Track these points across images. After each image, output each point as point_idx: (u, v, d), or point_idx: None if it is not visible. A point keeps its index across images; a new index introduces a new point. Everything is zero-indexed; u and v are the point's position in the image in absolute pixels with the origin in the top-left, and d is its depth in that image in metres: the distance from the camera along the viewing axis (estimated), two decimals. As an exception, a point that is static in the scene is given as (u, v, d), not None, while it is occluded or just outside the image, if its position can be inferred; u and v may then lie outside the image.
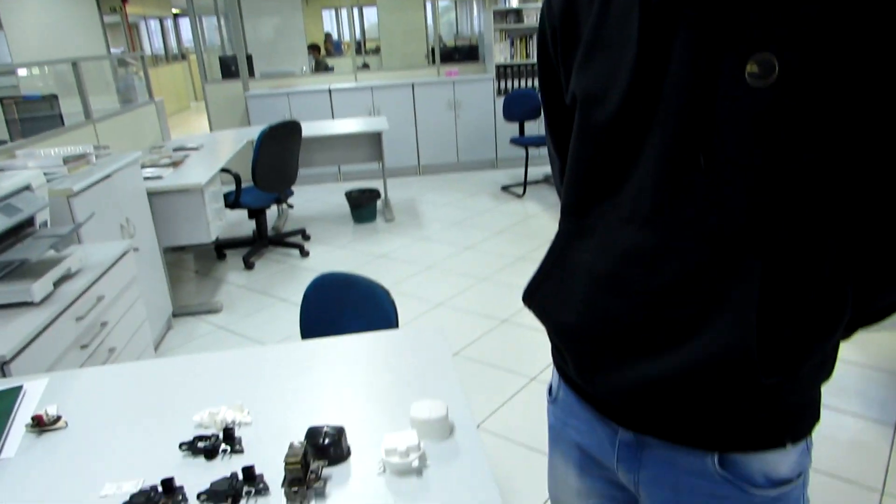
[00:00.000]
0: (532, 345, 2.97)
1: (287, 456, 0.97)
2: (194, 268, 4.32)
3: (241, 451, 1.11)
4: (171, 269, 4.10)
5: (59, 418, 1.21)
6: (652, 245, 0.65)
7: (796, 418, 0.71)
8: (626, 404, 0.74)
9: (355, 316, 1.67)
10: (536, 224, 4.75)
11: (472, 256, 4.16)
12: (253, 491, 1.00)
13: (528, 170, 5.66)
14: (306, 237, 4.69)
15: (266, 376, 1.35)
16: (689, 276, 0.64)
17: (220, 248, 4.47)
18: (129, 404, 1.27)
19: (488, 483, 1.00)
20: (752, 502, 0.71)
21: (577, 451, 0.88)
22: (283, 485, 0.96)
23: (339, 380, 1.32)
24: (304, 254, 4.35)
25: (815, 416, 0.73)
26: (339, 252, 4.40)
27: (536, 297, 0.80)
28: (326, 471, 1.04)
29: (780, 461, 0.71)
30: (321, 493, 0.99)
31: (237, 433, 1.15)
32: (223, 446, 1.11)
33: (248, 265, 4.19)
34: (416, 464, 1.02)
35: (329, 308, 1.71)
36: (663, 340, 0.66)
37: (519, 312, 3.30)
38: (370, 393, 1.27)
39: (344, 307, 1.69)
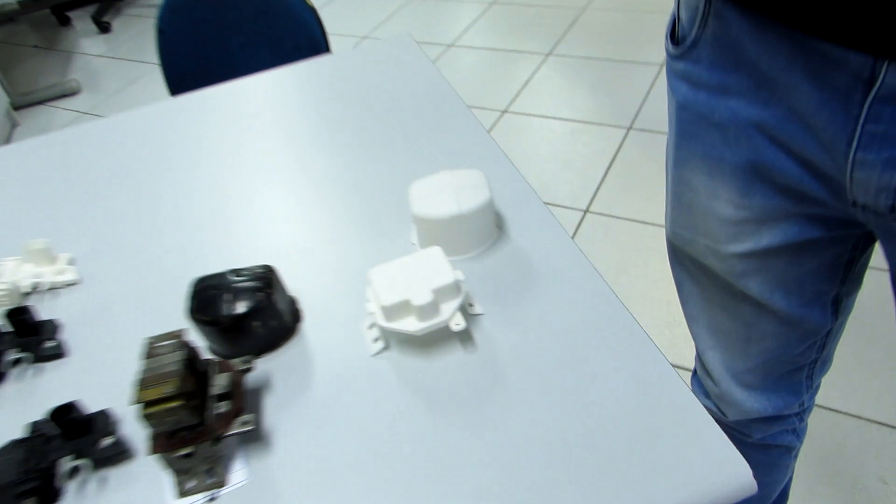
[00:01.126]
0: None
1: (141, 385, 0.37)
2: (31, 42, 3.31)
3: (59, 356, 0.50)
4: (-1, 48, 3.10)
5: None
6: None
7: None
8: None
9: (254, 46, 0.97)
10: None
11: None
12: (92, 462, 0.41)
13: None
14: (172, -20, 3.61)
15: (101, 175, 0.69)
16: None
17: (59, 10, 3.43)
18: None
19: (623, 319, 0.45)
20: None
21: (749, 138, 0.44)
22: (150, 448, 0.38)
23: (249, 163, 0.68)
24: (175, 1, 3.35)
25: None
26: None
27: None
28: (262, 364, 0.46)
29: None
30: (255, 436, 0.42)
31: (51, 313, 0.53)
32: (13, 353, 0.49)
33: (103, 27, 3.25)
34: (459, 323, 0.44)
35: (206, 39, 0.99)
36: None
37: (464, 33, 2.57)
38: (314, 183, 0.64)
39: (230, 35, 0.98)
